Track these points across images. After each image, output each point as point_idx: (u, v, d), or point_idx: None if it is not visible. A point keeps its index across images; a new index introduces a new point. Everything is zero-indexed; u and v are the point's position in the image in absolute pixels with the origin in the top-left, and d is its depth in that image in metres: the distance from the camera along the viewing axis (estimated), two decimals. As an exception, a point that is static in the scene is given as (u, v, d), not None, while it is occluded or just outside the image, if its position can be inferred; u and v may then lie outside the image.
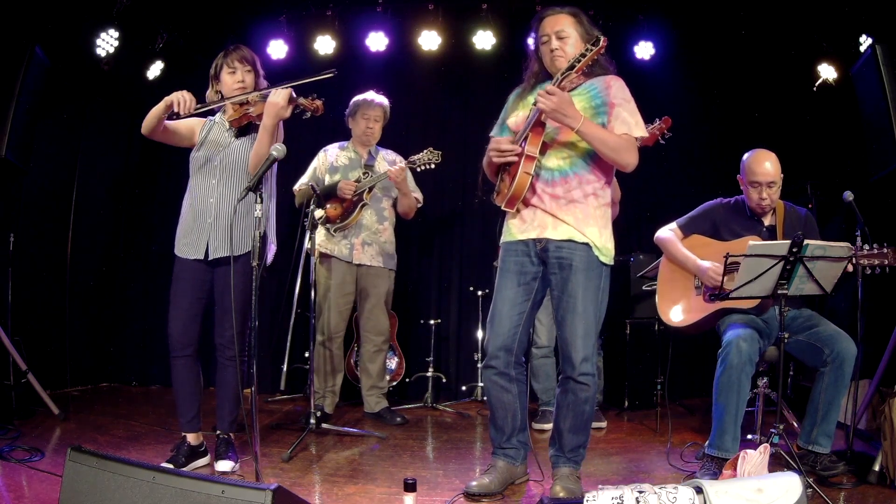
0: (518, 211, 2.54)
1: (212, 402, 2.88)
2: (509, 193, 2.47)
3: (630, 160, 2.44)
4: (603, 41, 2.29)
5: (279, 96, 2.68)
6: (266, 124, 2.69)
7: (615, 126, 2.43)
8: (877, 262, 2.65)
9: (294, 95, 2.73)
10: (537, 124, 2.43)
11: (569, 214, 2.46)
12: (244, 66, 2.83)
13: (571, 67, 2.35)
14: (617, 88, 2.48)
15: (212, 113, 2.93)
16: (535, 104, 2.39)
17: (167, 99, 2.66)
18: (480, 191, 2.76)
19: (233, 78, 2.82)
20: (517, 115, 2.62)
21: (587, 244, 2.45)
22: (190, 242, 2.80)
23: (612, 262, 2.52)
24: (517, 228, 2.57)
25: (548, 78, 2.56)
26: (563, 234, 2.46)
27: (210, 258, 2.77)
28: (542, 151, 2.47)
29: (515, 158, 2.46)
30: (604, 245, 2.48)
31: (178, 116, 2.67)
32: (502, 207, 2.56)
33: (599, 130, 2.39)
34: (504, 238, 2.64)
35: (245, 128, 2.86)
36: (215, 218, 2.78)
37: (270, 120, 2.68)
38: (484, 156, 2.65)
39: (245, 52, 2.85)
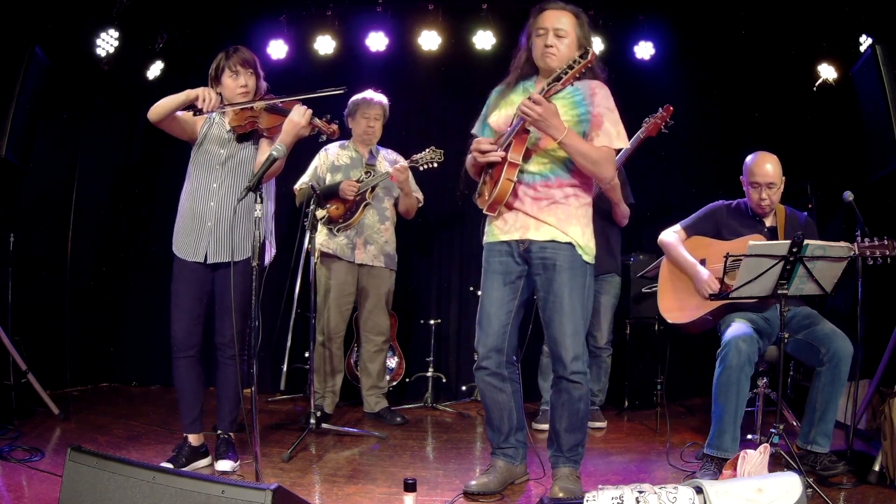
0: (500, 214, 2.55)
1: (211, 402, 2.88)
2: (491, 199, 2.47)
3: (607, 174, 2.46)
4: (591, 54, 2.27)
5: (302, 116, 2.65)
6: (285, 141, 2.64)
7: (598, 139, 2.42)
8: (878, 252, 2.68)
9: (312, 115, 2.72)
10: (521, 132, 2.42)
11: (550, 215, 2.46)
12: (247, 70, 2.82)
13: (558, 79, 2.31)
14: (601, 97, 2.47)
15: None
16: (517, 111, 2.37)
17: (191, 93, 2.67)
18: (461, 188, 2.76)
19: (236, 82, 2.81)
20: (499, 113, 2.61)
21: (570, 244, 2.46)
22: (188, 244, 2.79)
23: (593, 261, 2.53)
24: (499, 229, 2.57)
25: (533, 72, 2.56)
26: (545, 235, 2.46)
27: (209, 262, 2.77)
28: (525, 158, 2.45)
29: (497, 159, 2.44)
30: (586, 244, 2.50)
31: (200, 112, 2.68)
32: (484, 211, 2.57)
33: (581, 144, 2.39)
34: (487, 239, 2.63)
35: (247, 133, 2.84)
36: (215, 223, 2.77)
37: (290, 138, 2.65)
38: (467, 154, 2.64)
39: (246, 55, 2.84)
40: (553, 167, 2.48)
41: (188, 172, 2.86)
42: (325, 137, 2.83)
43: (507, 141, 2.45)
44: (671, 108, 3.53)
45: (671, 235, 3.17)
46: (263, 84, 2.90)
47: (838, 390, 2.70)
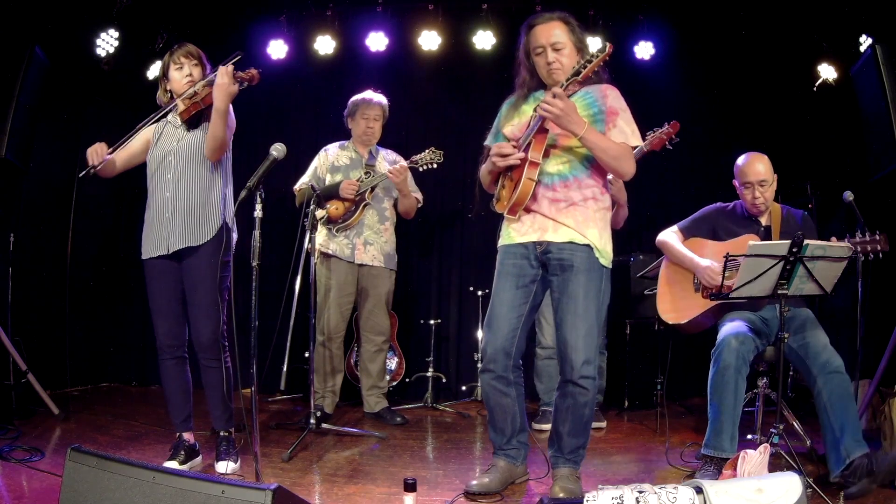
0: (518, 216, 2.55)
1: (204, 405, 2.88)
2: (513, 199, 2.47)
3: (628, 169, 2.46)
4: (609, 47, 2.28)
5: (224, 75, 2.67)
6: (219, 107, 2.68)
7: (612, 135, 2.44)
8: (870, 248, 2.71)
9: (234, 70, 2.71)
10: (540, 130, 2.43)
11: (569, 217, 2.47)
12: (191, 61, 2.83)
13: (577, 73, 2.32)
14: (613, 98, 2.50)
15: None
16: (536, 110, 2.39)
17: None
18: (477, 205, 2.77)
19: (181, 73, 2.82)
20: (512, 123, 2.62)
21: (588, 246, 2.46)
22: (151, 241, 2.79)
23: (610, 266, 2.53)
24: (516, 232, 2.57)
25: (541, 86, 2.57)
26: (564, 237, 2.46)
27: (170, 251, 2.75)
28: (544, 158, 2.47)
29: (517, 162, 2.46)
30: (604, 247, 2.49)
31: (95, 168, 2.68)
32: (505, 214, 2.57)
33: (601, 138, 2.40)
34: (502, 241, 2.63)
35: (196, 119, 2.84)
36: (172, 211, 2.76)
37: (222, 102, 2.68)
38: (481, 165, 2.66)
39: (190, 48, 2.86)
40: (571, 167, 2.49)
41: (147, 177, 2.86)
42: (246, 84, 2.78)
43: (526, 141, 2.47)
44: (678, 125, 3.49)
45: (669, 235, 3.18)
46: (211, 76, 2.89)
47: (846, 398, 2.59)
